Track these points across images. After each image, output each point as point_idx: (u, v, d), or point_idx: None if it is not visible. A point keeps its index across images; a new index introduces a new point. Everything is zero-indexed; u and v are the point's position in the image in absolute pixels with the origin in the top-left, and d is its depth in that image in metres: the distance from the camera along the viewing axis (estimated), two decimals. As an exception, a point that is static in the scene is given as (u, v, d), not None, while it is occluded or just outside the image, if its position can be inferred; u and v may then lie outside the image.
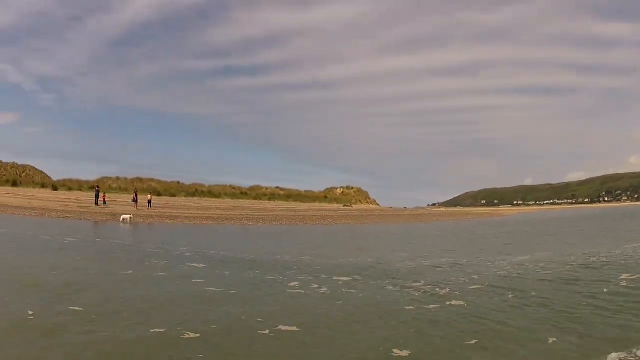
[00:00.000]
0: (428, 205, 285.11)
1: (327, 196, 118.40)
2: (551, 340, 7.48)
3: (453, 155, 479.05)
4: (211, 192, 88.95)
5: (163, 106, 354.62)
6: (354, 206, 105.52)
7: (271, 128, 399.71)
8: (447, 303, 10.14)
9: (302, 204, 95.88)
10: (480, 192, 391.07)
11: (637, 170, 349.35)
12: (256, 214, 55.15)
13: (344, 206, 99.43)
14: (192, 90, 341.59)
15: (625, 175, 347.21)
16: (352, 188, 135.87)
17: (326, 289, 11.51)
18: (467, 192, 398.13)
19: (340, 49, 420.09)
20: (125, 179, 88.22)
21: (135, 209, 46.89)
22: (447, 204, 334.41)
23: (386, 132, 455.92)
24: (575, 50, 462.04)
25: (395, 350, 7.02)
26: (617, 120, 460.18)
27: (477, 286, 12.00)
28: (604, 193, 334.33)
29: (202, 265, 14.87)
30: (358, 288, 11.82)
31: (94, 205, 47.59)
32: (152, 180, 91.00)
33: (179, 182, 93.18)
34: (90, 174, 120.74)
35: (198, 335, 7.50)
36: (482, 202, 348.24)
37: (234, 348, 7.05)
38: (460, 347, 7.21)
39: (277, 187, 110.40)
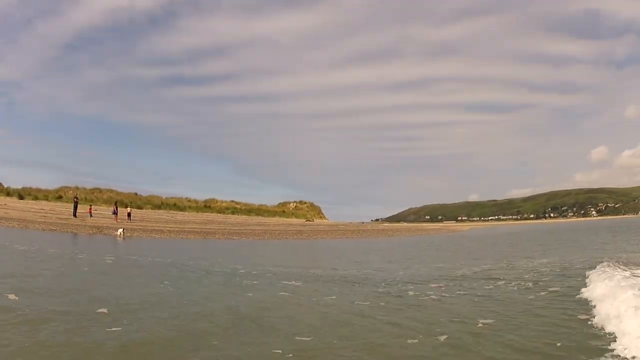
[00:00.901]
0: (371, 220, 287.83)
1: (284, 210, 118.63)
2: None
3: (398, 170, 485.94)
4: (177, 205, 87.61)
5: (111, 114, 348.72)
6: (315, 221, 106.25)
7: (218, 140, 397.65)
8: (549, 289, 12.45)
9: (264, 218, 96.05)
10: (423, 207, 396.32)
11: (583, 187, 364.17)
12: (234, 228, 55.01)
13: (306, 221, 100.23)
14: (140, 99, 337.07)
15: (571, 191, 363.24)
16: (305, 203, 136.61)
17: (444, 294, 12.68)
18: (410, 208, 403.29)
19: (291, 61, 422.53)
20: (84, 188, 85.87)
21: (115, 221, 46.09)
22: (390, 219, 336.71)
23: (332, 146, 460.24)
24: (526, 68, 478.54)
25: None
26: (565, 138, 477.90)
27: (547, 278, 14.68)
28: (549, 209, 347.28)
29: (297, 283, 14.99)
30: (462, 288, 13.56)
31: (73, 217, 46.43)
32: (111, 190, 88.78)
33: (136, 194, 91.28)
34: (42, 182, 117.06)
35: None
36: (426, 217, 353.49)
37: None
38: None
39: (232, 201, 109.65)
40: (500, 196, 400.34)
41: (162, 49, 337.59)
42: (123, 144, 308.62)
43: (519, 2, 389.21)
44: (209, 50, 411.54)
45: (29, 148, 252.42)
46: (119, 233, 35.63)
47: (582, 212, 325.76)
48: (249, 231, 51.67)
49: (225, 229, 52.50)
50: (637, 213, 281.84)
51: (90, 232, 37.51)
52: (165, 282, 14.13)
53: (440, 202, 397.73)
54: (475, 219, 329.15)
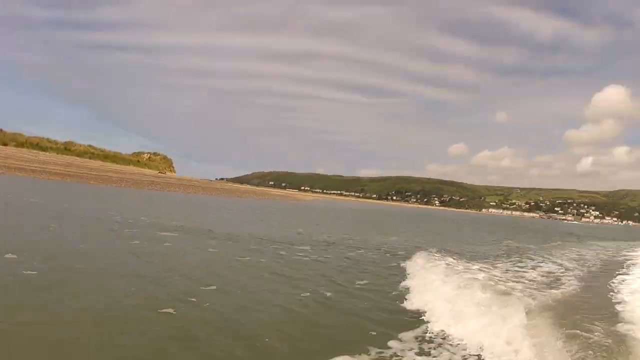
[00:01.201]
0: (217, 178, 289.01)
1: (139, 160, 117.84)
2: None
3: (256, 133, 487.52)
4: (39, 145, 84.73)
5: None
6: (167, 174, 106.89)
7: (87, 84, 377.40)
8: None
9: (119, 166, 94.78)
10: (269, 173, 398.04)
11: (431, 177, 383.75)
12: (92, 173, 55.19)
13: (159, 173, 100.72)
14: (23, 37, 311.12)
15: (419, 179, 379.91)
16: (159, 155, 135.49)
17: (313, 255, 14.17)
18: (255, 172, 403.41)
19: (179, 17, 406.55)
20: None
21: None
22: (235, 180, 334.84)
23: (198, 103, 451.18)
24: (408, 58, 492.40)
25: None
26: (430, 130, 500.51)
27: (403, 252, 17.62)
28: (393, 192, 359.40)
29: (173, 234, 16.62)
30: (329, 252, 14.75)
31: None
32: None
33: (1, 130, 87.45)
34: None
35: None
36: (270, 183, 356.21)
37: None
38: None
39: (90, 146, 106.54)
40: (350, 173, 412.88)
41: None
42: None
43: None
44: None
45: None
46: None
47: (426, 200, 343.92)
48: (106, 177, 51.81)
49: (84, 173, 52.08)
50: (480, 210, 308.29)
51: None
52: (52, 226, 14.81)
53: (289, 170, 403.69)
54: (318, 190, 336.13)
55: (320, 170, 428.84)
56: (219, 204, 43.62)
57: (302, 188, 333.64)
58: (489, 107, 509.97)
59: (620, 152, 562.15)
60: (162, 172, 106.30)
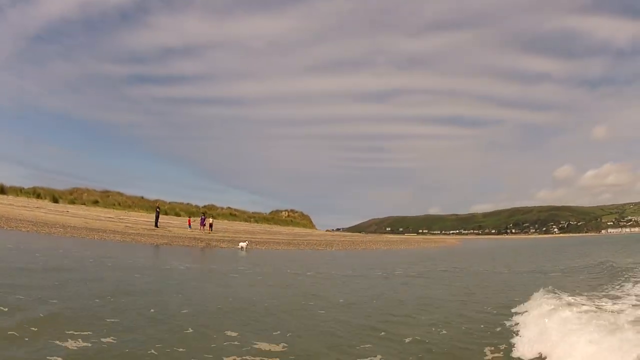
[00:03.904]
0: (333, 229, 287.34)
1: (292, 221, 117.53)
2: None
3: (358, 180, 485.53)
4: (186, 212, 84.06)
5: (75, 110, 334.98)
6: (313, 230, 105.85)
7: (182, 142, 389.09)
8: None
9: (283, 227, 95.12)
10: (385, 219, 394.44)
11: (544, 205, 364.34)
12: (299, 239, 55.17)
13: (326, 231, 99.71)
14: (106, 96, 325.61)
15: (533, 208, 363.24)
16: (296, 212, 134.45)
17: None
18: (372, 219, 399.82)
19: (260, 65, 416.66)
20: (94, 191, 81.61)
21: (202, 232, 45.70)
22: (351, 229, 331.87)
23: (297, 154, 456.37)
24: (497, 84, 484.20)
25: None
26: (531, 155, 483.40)
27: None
28: (511, 225, 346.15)
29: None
30: None
31: (155, 227, 43.39)
32: (120, 194, 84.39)
33: (142, 197, 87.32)
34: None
35: None
36: (387, 229, 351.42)
37: None
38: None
39: (229, 207, 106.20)
40: (462, 210, 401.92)
41: (131, 46, 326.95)
42: (84, 142, 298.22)
43: (494, 18, 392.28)
44: (178, 49, 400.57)
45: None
46: (241, 246, 34.72)
47: (544, 229, 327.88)
48: (314, 242, 51.67)
49: (297, 240, 52.14)
50: (599, 232, 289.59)
51: (200, 245, 35.25)
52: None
53: (401, 214, 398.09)
54: (437, 232, 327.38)
55: (434, 211, 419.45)
56: (406, 255, 44.68)
57: (420, 231, 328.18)
58: (584, 123, 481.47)
59: None
60: (329, 230, 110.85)
